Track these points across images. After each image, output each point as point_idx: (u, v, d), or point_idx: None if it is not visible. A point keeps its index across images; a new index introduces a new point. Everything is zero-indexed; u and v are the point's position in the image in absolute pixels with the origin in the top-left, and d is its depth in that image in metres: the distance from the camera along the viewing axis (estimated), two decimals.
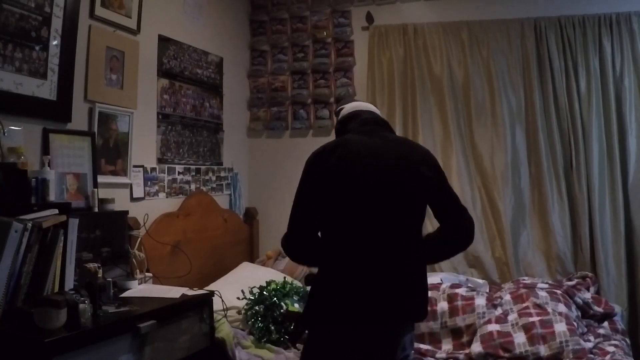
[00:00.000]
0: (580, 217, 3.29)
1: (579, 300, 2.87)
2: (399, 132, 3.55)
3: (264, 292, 2.76)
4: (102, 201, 2.41)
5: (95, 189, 2.43)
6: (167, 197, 3.11)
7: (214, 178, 3.56)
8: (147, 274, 2.53)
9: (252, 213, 3.85)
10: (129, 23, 2.80)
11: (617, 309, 2.95)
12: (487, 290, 3.09)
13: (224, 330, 2.40)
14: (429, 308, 2.49)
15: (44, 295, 1.80)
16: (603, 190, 3.28)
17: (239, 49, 3.89)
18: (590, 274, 3.16)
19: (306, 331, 2.16)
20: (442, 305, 2.81)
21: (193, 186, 3.34)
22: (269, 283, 2.84)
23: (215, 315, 2.37)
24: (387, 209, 1.72)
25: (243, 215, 3.82)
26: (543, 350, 2.47)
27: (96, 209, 2.38)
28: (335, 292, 1.70)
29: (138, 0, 2.85)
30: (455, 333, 2.74)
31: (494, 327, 2.63)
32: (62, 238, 1.91)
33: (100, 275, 1.97)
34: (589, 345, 2.55)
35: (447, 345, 2.72)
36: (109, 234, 2.33)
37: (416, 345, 2.58)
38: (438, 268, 3.43)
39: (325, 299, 1.72)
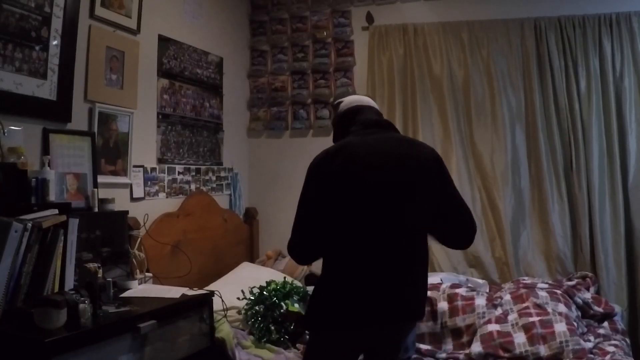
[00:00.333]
0: (580, 217, 3.29)
1: (579, 300, 2.87)
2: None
3: (264, 292, 2.76)
4: (102, 201, 2.41)
5: (95, 189, 2.43)
6: (167, 197, 3.11)
7: (214, 178, 3.56)
8: (147, 274, 2.53)
9: (252, 213, 3.85)
10: (129, 23, 2.80)
11: (617, 309, 2.95)
12: (487, 290, 3.09)
13: (224, 330, 2.40)
14: (428, 308, 2.49)
15: (44, 295, 1.80)
16: (603, 190, 3.28)
17: (239, 49, 3.89)
18: (590, 274, 3.16)
19: (306, 331, 2.16)
20: (442, 305, 2.80)
21: (193, 186, 3.34)
22: (269, 283, 2.84)
23: (215, 315, 2.36)
24: (390, 212, 1.71)
25: (243, 215, 3.82)
26: (543, 350, 2.47)
27: (96, 209, 2.38)
28: (339, 295, 1.70)
29: (138, 0, 2.85)
30: (455, 333, 2.74)
31: (494, 327, 2.63)
32: (62, 238, 1.91)
33: (100, 275, 1.97)
34: (589, 345, 2.55)
35: (447, 346, 2.72)
36: (109, 234, 2.33)
37: (416, 345, 2.58)
38: (438, 268, 3.43)
39: (330, 301, 1.72)
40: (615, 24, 3.29)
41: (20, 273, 1.77)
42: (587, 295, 2.94)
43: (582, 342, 2.51)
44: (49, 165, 2.14)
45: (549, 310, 2.65)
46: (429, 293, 2.49)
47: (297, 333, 2.70)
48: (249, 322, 2.68)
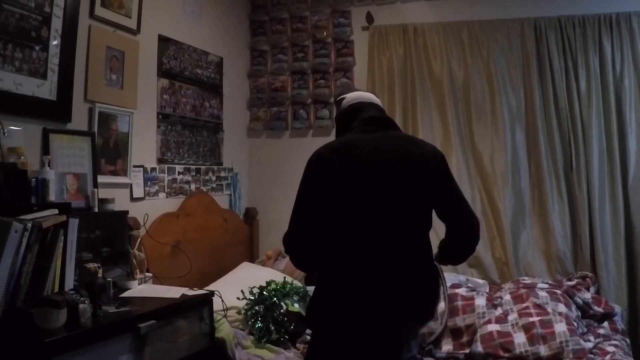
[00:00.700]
0: (580, 217, 3.29)
1: (579, 300, 2.87)
2: None
3: (264, 292, 2.76)
4: (102, 201, 2.41)
5: (95, 189, 2.43)
6: (167, 197, 3.11)
7: (214, 178, 3.56)
8: (147, 274, 2.53)
9: (252, 213, 3.85)
10: (129, 23, 2.80)
11: (617, 309, 2.95)
12: (487, 290, 3.08)
13: (224, 330, 2.39)
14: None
15: (44, 295, 1.80)
16: (603, 190, 3.28)
17: (239, 49, 3.89)
18: (590, 274, 3.16)
19: (306, 331, 2.15)
20: (442, 305, 2.80)
21: (193, 186, 3.34)
22: (269, 283, 2.84)
23: (215, 315, 2.36)
24: (390, 210, 1.70)
25: (243, 215, 3.82)
26: (543, 350, 2.47)
27: (96, 209, 2.38)
28: (340, 295, 1.69)
29: (138, 0, 2.85)
30: (455, 333, 2.74)
31: (494, 327, 2.63)
32: (62, 238, 1.91)
33: (100, 275, 1.97)
34: (589, 345, 2.55)
35: (447, 346, 2.71)
36: (109, 234, 2.33)
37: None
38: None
39: (331, 302, 1.71)
40: (615, 24, 3.29)
41: (20, 273, 1.77)
42: (587, 295, 2.94)
43: (582, 342, 2.51)
44: (49, 165, 2.14)
45: (549, 310, 2.65)
46: None
47: (297, 333, 2.70)
48: (249, 322, 2.68)
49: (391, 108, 3.61)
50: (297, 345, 2.67)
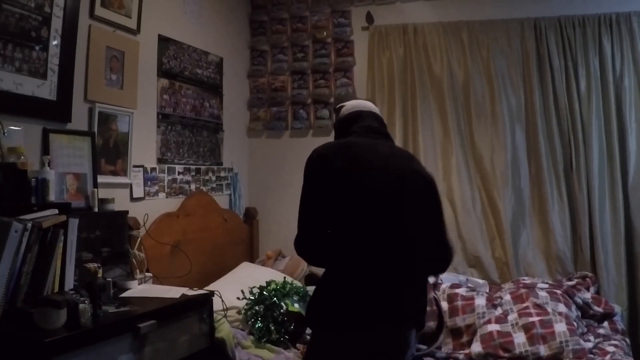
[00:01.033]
0: (580, 217, 3.29)
1: (579, 300, 2.87)
2: (399, 132, 3.56)
3: (264, 292, 2.76)
4: (102, 201, 2.41)
5: (95, 189, 2.43)
6: (167, 197, 3.11)
7: (214, 178, 3.56)
8: (147, 274, 2.53)
9: (252, 213, 3.85)
10: (129, 23, 2.80)
11: (617, 309, 2.95)
12: (487, 290, 3.09)
13: (224, 330, 2.39)
14: (428, 308, 2.48)
15: (44, 295, 1.80)
16: (603, 190, 3.28)
17: (239, 49, 3.89)
18: (590, 274, 3.16)
19: (307, 331, 2.15)
20: (442, 305, 2.80)
21: (193, 186, 3.34)
22: (269, 283, 2.84)
23: (215, 315, 2.36)
24: (391, 213, 1.71)
25: (243, 215, 3.82)
26: (543, 350, 2.47)
27: (96, 209, 2.38)
28: (340, 296, 1.69)
29: (138, 0, 2.85)
30: (455, 333, 2.74)
31: (494, 327, 2.63)
32: (62, 238, 1.91)
33: (100, 275, 1.97)
34: (589, 345, 2.55)
35: (447, 346, 2.71)
36: (109, 234, 2.33)
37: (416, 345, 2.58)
38: None
39: (331, 302, 1.71)
40: (615, 24, 3.29)
41: (20, 273, 1.77)
42: (587, 295, 2.94)
43: (582, 342, 2.51)
44: (49, 165, 2.14)
45: (549, 310, 2.65)
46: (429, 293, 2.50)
47: (297, 333, 2.70)
48: (249, 322, 2.68)
49: (391, 108, 3.61)
50: (297, 345, 2.67)
